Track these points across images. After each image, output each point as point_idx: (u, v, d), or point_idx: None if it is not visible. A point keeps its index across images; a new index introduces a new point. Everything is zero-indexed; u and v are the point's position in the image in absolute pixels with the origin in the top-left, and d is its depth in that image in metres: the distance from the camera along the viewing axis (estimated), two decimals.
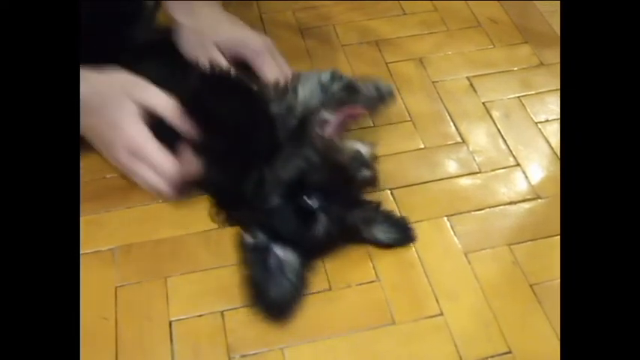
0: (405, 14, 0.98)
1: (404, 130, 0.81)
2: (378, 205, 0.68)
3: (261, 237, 0.64)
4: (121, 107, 0.66)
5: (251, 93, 0.70)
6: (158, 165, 0.66)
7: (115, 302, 0.63)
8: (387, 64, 0.89)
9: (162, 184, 0.67)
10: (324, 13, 0.97)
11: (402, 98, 0.84)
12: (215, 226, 0.69)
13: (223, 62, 0.72)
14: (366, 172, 0.63)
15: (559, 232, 0.69)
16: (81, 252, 0.66)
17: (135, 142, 0.66)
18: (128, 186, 0.71)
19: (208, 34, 0.74)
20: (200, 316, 0.62)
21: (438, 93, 0.86)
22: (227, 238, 0.68)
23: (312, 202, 0.62)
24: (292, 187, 0.63)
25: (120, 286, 0.64)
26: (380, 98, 0.76)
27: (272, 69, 0.73)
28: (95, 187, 0.72)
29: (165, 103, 0.67)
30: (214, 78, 0.70)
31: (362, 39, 0.93)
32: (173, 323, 0.62)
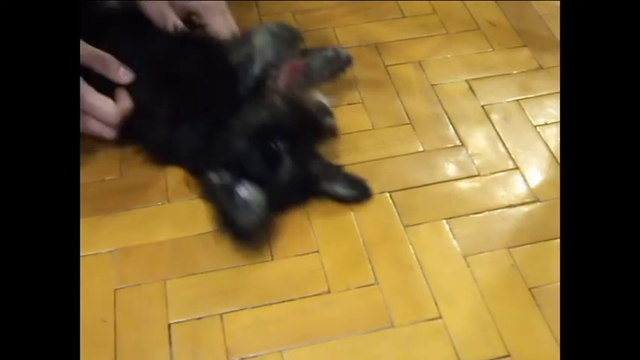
0: (404, 17, 0.98)
1: (403, 132, 0.81)
2: (339, 166, 0.73)
3: (228, 177, 0.67)
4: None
5: (212, 47, 0.76)
6: (99, 111, 0.70)
7: (115, 305, 0.63)
8: (386, 67, 0.90)
9: (106, 129, 0.71)
10: (324, 16, 0.97)
11: (401, 101, 0.85)
12: (213, 229, 0.69)
13: (179, 22, 0.77)
14: (329, 121, 0.70)
15: (558, 235, 0.69)
16: (80, 254, 0.66)
17: (87, 102, 0.69)
18: (128, 188, 0.71)
19: (173, 3, 0.78)
20: (199, 318, 0.62)
21: (437, 96, 0.86)
22: (225, 241, 0.68)
23: (278, 146, 0.67)
24: (259, 132, 0.68)
25: (119, 289, 0.64)
26: (337, 59, 0.81)
27: (220, 24, 0.79)
28: (94, 190, 0.72)
29: (89, 51, 0.69)
30: (176, 39, 0.76)
31: (361, 42, 0.93)
32: (172, 326, 0.62)
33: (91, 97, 0.69)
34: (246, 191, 0.66)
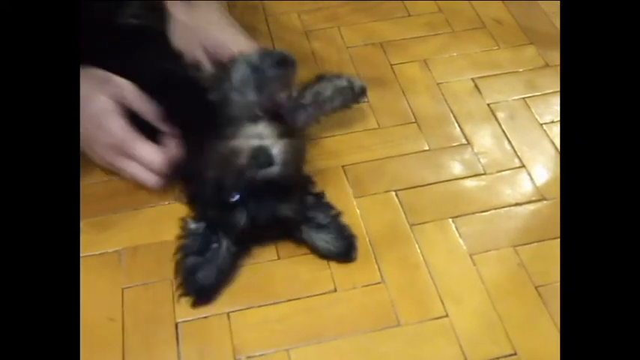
0: (409, 16, 0.98)
1: (409, 131, 0.81)
2: (335, 213, 0.68)
3: (201, 225, 0.65)
4: (98, 105, 0.66)
5: (193, 85, 0.69)
6: (144, 158, 0.66)
7: (122, 304, 0.63)
8: (391, 65, 0.90)
9: (151, 177, 0.67)
10: (330, 15, 0.97)
11: (407, 100, 0.85)
12: None
13: (205, 63, 0.72)
14: (272, 170, 0.61)
15: None
16: (88, 254, 0.67)
17: (119, 139, 0.65)
18: (134, 188, 0.72)
19: (198, 34, 0.73)
20: (206, 317, 0.62)
21: (442, 94, 0.86)
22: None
23: (233, 196, 0.62)
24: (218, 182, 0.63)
25: (126, 288, 0.65)
26: (350, 90, 0.77)
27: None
28: (101, 190, 0.73)
29: (138, 97, 0.66)
30: (171, 73, 0.70)
31: (367, 41, 0.93)
32: (179, 324, 0.62)
33: (137, 144, 0.65)
34: (214, 242, 0.64)
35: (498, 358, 0.60)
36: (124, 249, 0.68)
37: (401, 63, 0.90)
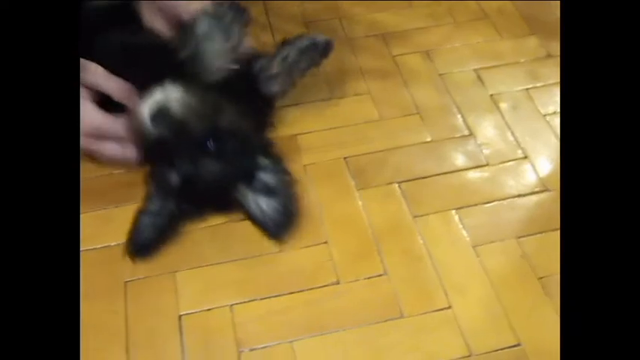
0: (411, 6, 0.97)
1: (411, 123, 0.80)
2: (286, 180, 0.68)
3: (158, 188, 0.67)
4: None
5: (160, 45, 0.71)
6: (119, 134, 0.67)
7: (125, 296, 0.63)
8: (393, 56, 0.89)
9: (130, 152, 0.68)
10: (330, 6, 0.96)
11: (409, 91, 0.84)
12: (222, 220, 0.69)
13: (161, 27, 0.73)
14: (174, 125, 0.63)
15: None
16: (90, 247, 0.67)
17: (95, 125, 0.66)
18: (135, 182, 0.71)
19: (160, 6, 0.72)
20: (209, 310, 0.62)
21: (445, 85, 0.85)
22: (235, 232, 0.68)
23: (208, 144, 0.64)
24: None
25: (129, 281, 0.65)
26: (314, 47, 0.76)
27: None
28: (102, 183, 0.73)
29: (107, 78, 0.67)
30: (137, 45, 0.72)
31: (368, 32, 0.93)
32: (182, 317, 0.62)
33: (110, 124, 0.67)
34: (161, 206, 0.66)
35: (502, 349, 0.60)
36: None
37: (403, 54, 0.89)
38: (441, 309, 0.62)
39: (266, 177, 0.67)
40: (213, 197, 0.67)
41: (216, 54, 0.68)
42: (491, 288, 0.64)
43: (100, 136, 0.67)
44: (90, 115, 0.66)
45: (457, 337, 0.60)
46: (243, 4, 0.71)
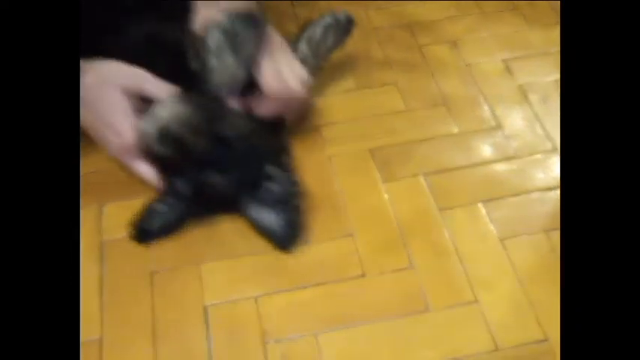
0: None
1: (438, 114, 0.79)
2: (292, 191, 0.67)
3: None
4: (112, 104, 0.66)
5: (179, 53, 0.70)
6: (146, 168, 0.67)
7: (151, 287, 0.64)
8: (420, 47, 0.88)
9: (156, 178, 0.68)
10: None
11: (435, 82, 0.83)
12: None
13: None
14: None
15: None
16: (116, 237, 0.68)
17: (128, 141, 0.65)
18: None
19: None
20: (234, 301, 0.63)
21: (472, 76, 0.84)
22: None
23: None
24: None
25: (155, 272, 0.65)
26: (337, 24, 0.77)
27: None
28: (127, 174, 0.73)
29: (164, 92, 0.67)
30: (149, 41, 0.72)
31: (394, 23, 0.92)
32: (208, 308, 0.62)
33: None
34: (174, 202, 0.67)
35: (529, 343, 0.59)
36: None
37: (429, 44, 0.88)
38: (468, 303, 0.62)
39: (273, 187, 0.66)
40: (221, 205, 0.68)
41: (224, 70, 0.67)
42: (519, 282, 0.63)
43: (132, 154, 0.67)
44: (126, 129, 0.65)
45: (483, 332, 0.60)
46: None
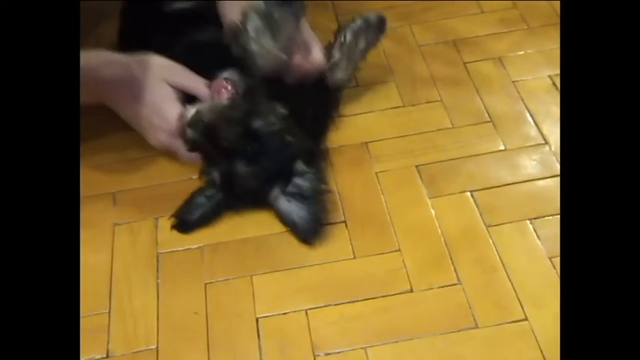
0: (483, 12, 0.96)
1: (484, 131, 0.80)
2: (320, 189, 0.71)
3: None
4: (159, 92, 0.71)
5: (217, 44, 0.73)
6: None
7: (205, 298, 0.66)
8: (465, 63, 0.89)
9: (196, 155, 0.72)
10: (401, 14, 0.96)
11: (481, 99, 0.84)
12: None
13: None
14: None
15: None
16: (172, 249, 0.70)
17: (175, 127, 0.70)
18: None
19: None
20: (285, 314, 0.64)
21: (518, 93, 0.84)
22: None
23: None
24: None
25: (209, 283, 0.67)
26: (368, 26, 0.78)
27: None
28: (184, 187, 0.75)
29: (198, 85, 0.72)
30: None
31: (439, 39, 0.93)
32: (260, 320, 0.64)
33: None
34: (212, 194, 0.71)
35: None
36: (206, 245, 0.70)
37: (475, 61, 0.89)
38: (517, 320, 0.62)
39: (301, 183, 0.70)
40: (249, 196, 0.71)
41: (266, 52, 0.70)
42: None
43: (180, 134, 0.70)
44: (172, 115, 0.71)
45: (534, 350, 0.60)
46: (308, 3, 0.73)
